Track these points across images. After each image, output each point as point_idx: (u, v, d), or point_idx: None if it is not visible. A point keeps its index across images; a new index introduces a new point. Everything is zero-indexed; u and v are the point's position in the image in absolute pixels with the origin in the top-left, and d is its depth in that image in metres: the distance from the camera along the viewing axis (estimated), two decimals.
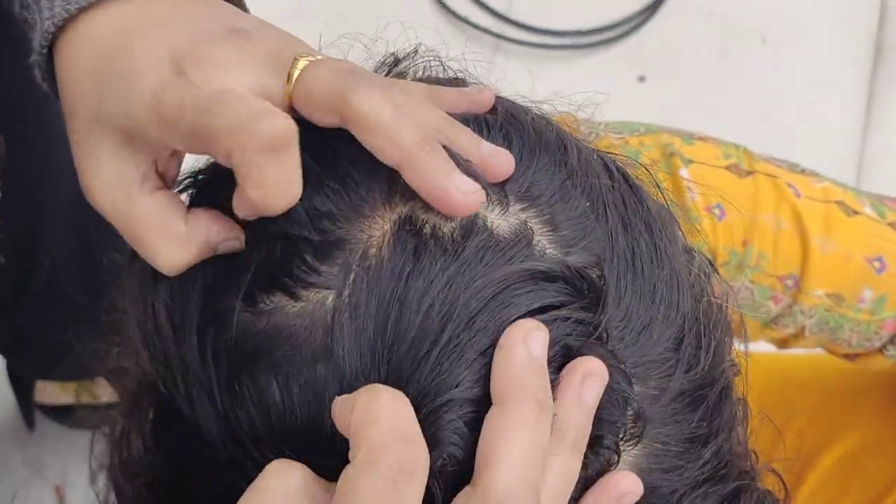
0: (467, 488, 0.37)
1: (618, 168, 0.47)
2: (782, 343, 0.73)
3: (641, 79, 1.63)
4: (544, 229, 0.42)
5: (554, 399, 0.39)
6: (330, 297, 0.40)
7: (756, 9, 1.67)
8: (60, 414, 1.29)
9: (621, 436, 0.41)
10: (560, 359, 0.40)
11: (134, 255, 0.45)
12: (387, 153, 0.40)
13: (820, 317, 0.69)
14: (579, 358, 0.40)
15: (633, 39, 1.65)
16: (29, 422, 1.26)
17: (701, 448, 0.44)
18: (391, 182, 0.41)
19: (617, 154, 0.48)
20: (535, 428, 0.38)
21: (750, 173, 0.69)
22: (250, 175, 0.39)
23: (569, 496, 0.39)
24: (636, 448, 0.42)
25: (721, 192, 0.66)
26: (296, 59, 0.43)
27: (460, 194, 0.40)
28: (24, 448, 1.31)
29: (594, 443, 0.40)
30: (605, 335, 0.41)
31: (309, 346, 0.40)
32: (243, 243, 0.43)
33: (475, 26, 1.64)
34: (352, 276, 0.40)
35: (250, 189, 0.40)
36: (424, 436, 0.37)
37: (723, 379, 0.46)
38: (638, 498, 0.41)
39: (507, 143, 0.44)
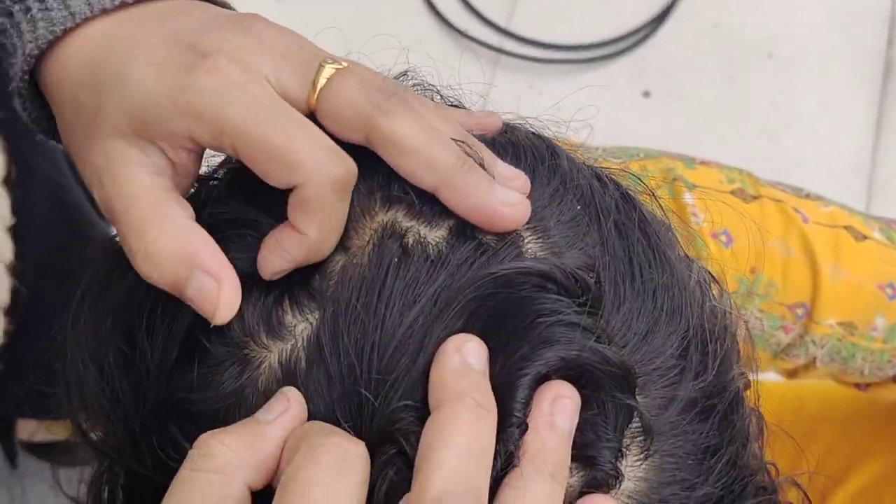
0: (406, 495, 0.36)
1: (609, 177, 0.45)
2: (792, 374, 0.71)
3: (646, 94, 1.61)
4: (534, 236, 0.41)
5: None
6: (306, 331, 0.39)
7: (762, 24, 1.65)
8: (44, 451, 1.27)
9: (626, 450, 0.39)
10: (563, 371, 0.38)
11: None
12: (424, 178, 0.39)
13: (832, 346, 0.68)
14: (548, 382, 0.38)
15: (637, 54, 1.63)
16: (11, 460, 1.24)
17: (713, 460, 0.42)
18: (369, 191, 0.40)
19: (611, 168, 0.47)
20: (472, 427, 0.36)
21: (756, 198, 0.67)
22: (322, 216, 0.39)
23: None
24: (645, 463, 0.40)
25: (727, 217, 0.64)
26: (321, 64, 0.41)
27: (508, 208, 0.39)
28: (7, 486, 1.30)
29: (588, 463, 0.39)
30: (606, 342, 0.39)
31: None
32: (215, 304, 0.40)
33: (475, 40, 1.61)
34: (328, 309, 0.39)
35: (319, 232, 0.39)
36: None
37: (732, 388, 0.44)
38: None
39: (504, 154, 0.43)
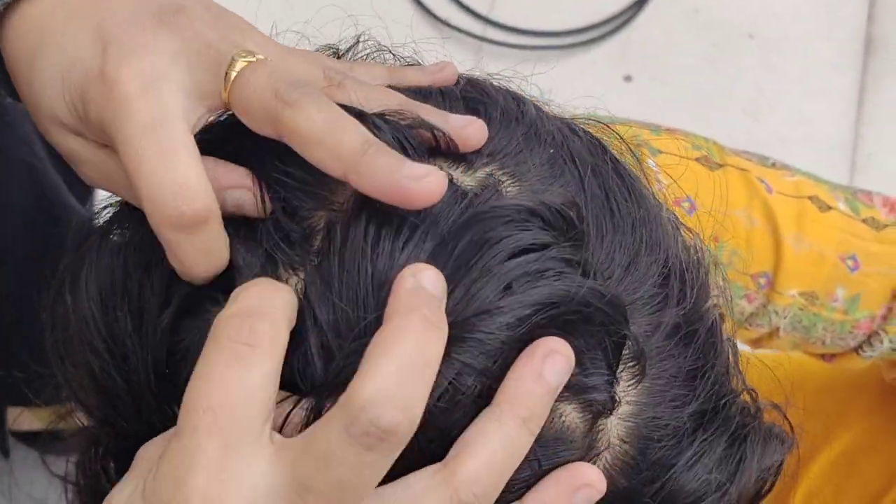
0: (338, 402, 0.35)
1: (578, 126, 0.46)
2: (756, 343, 0.72)
3: (627, 78, 1.61)
4: (511, 180, 0.42)
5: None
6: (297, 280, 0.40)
7: (743, 5, 1.65)
8: (36, 440, 1.27)
9: (619, 377, 0.41)
10: (552, 310, 0.39)
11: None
12: (329, 167, 0.39)
13: (794, 316, 0.68)
14: (543, 338, 0.38)
15: (618, 38, 1.63)
16: (3, 449, 1.24)
17: (699, 381, 0.43)
18: None
19: (578, 118, 0.48)
20: (417, 338, 0.35)
21: (720, 166, 0.67)
22: (168, 247, 0.40)
23: (509, 473, 0.37)
24: (637, 387, 0.42)
25: (690, 185, 0.64)
26: (234, 58, 0.41)
27: (415, 183, 0.38)
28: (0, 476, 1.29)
29: (587, 393, 0.40)
30: (593, 274, 0.40)
31: None
32: (254, 198, 0.41)
33: (457, 29, 1.62)
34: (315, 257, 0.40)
35: (171, 260, 0.40)
36: None
37: (710, 316, 0.45)
38: (599, 495, 0.39)
39: (469, 109, 0.43)
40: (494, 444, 0.37)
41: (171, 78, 0.41)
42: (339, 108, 0.40)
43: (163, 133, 0.40)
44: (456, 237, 0.39)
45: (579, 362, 0.39)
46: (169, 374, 0.41)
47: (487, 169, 0.42)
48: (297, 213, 0.41)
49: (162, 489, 0.35)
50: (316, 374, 0.38)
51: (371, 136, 0.39)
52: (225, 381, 0.35)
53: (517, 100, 0.45)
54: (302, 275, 0.40)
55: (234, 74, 0.41)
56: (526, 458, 0.38)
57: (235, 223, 0.41)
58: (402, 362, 0.35)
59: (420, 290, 0.37)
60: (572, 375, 0.39)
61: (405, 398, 0.34)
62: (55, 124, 0.44)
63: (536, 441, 0.38)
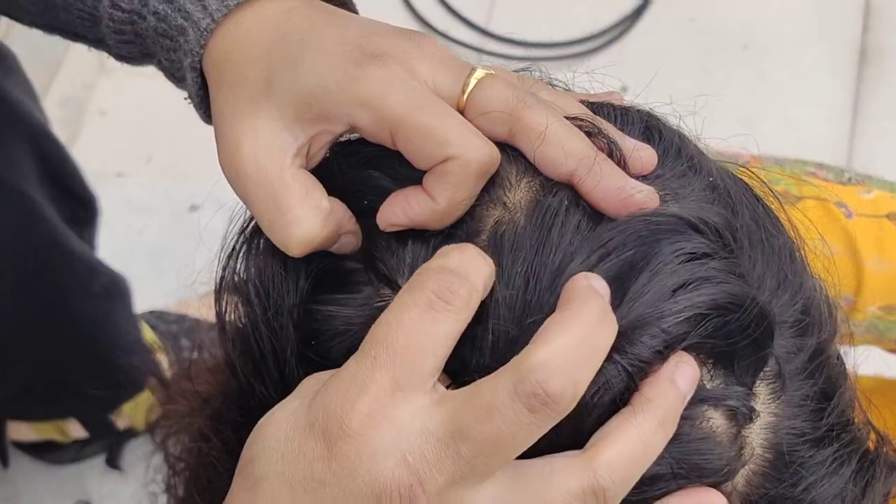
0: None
1: (726, 166, 0.50)
2: None
3: (623, 89, 1.61)
4: (672, 201, 0.45)
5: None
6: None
7: (737, 15, 1.66)
8: (36, 450, 1.27)
9: (756, 391, 0.43)
10: (717, 317, 0.42)
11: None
12: (562, 164, 0.43)
13: (869, 323, 0.71)
14: (676, 353, 0.41)
15: (614, 49, 1.64)
16: (3, 459, 1.24)
17: (833, 399, 0.46)
18: (518, 166, 0.45)
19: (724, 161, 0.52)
20: (593, 326, 0.38)
21: (799, 199, 0.70)
22: (457, 190, 0.43)
23: (643, 468, 0.39)
24: (775, 402, 0.44)
25: None
26: (473, 69, 0.46)
27: (640, 194, 0.43)
28: (1, 485, 1.29)
29: (727, 398, 0.42)
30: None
31: None
32: (357, 246, 0.46)
33: (455, 41, 1.63)
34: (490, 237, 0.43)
35: (448, 202, 0.43)
36: None
37: (836, 346, 0.48)
38: None
39: (643, 135, 0.47)
40: (633, 438, 0.39)
41: (421, 76, 0.45)
42: (565, 111, 0.45)
43: (440, 101, 0.45)
44: (625, 241, 0.42)
45: (729, 370, 0.42)
46: (314, 344, 0.45)
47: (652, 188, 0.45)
48: (472, 210, 0.44)
49: (328, 402, 0.39)
50: (485, 348, 0.42)
51: (594, 146, 0.44)
52: (413, 326, 0.39)
53: (682, 136, 0.49)
54: None
55: (473, 82, 0.46)
56: (670, 456, 0.41)
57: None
58: (577, 341, 0.37)
59: (593, 289, 0.39)
60: (721, 382, 0.42)
61: (574, 372, 0.37)
62: (271, 110, 0.47)
63: (681, 441, 0.41)
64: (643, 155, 0.45)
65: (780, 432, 0.44)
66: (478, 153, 0.43)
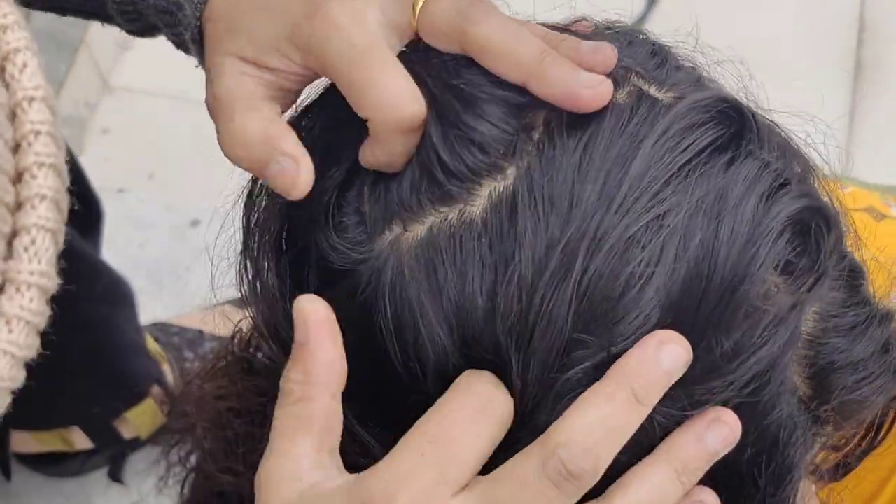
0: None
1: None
2: None
3: None
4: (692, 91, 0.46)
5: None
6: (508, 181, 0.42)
7: (732, 31, 1.67)
8: (38, 462, 1.27)
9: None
10: (797, 234, 0.43)
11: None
12: (511, 73, 0.43)
13: None
14: (715, 408, 0.41)
15: None
16: (5, 472, 1.25)
17: (873, 330, 0.46)
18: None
19: None
20: (617, 408, 0.39)
21: (883, 216, 0.69)
22: (384, 145, 0.44)
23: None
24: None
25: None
26: None
27: (589, 90, 0.42)
28: (2, 498, 1.30)
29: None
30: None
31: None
32: (294, 179, 0.45)
33: None
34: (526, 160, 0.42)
35: (381, 155, 0.44)
36: None
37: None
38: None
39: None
40: (651, 487, 0.41)
41: (372, 13, 0.46)
42: (516, 22, 0.45)
43: (377, 52, 0.45)
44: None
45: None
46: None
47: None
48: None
49: (372, 491, 0.40)
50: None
51: (544, 45, 0.44)
52: (464, 429, 0.40)
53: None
54: (524, 162, 0.42)
55: (420, 4, 0.46)
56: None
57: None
58: (601, 419, 0.39)
59: (650, 364, 0.40)
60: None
61: (596, 453, 0.39)
62: (239, 60, 0.49)
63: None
64: (600, 55, 0.44)
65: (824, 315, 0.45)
66: (396, 113, 0.43)
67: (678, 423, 0.41)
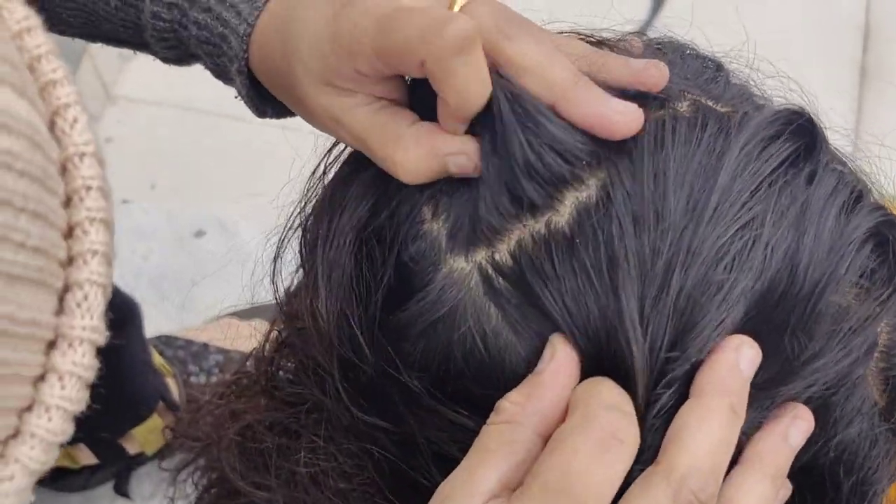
0: (650, 467, 0.39)
1: None
2: None
3: None
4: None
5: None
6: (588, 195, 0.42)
7: (737, 35, 1.66)
8: (44, 477, 1.27)
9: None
10: (877, 247, 0.43)
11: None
12: (543, 93, 0.43)
13: None
14: (791, 403, 0.41)
15: None
16: None
17: None
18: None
19: None
20: (726, 425, 0.39)
21: None
22: (448, 79, 0.42)
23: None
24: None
25: None
26: None
27: (619, 115, 0.42)
28: None
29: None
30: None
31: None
32: (476, 163, 0.43)
33: None
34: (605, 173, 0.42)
35: (449, 94, 0.42)
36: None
37: None
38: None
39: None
40: (755, 498, 0.40)
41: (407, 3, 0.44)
42: (552, 43, 0.44)
43: (403, 7, 0.43)
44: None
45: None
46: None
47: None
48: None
49: None
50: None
51: (580, 73, 0.43)
52: (590, 468, 0.38)
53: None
54: (608, 170, 0.42)
55: (457, 6, 0.45)
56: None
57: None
58: (713, 440, 0.39)
59: (736, 372, 0.39)
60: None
61: (717, 477, 0.39)
62: (321, 84, 0.47)
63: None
64: (651, 71, 0.44)
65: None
66: (442, 39, 0.42)
67: (759, 426, 0.42)
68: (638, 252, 0.40)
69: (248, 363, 0.58)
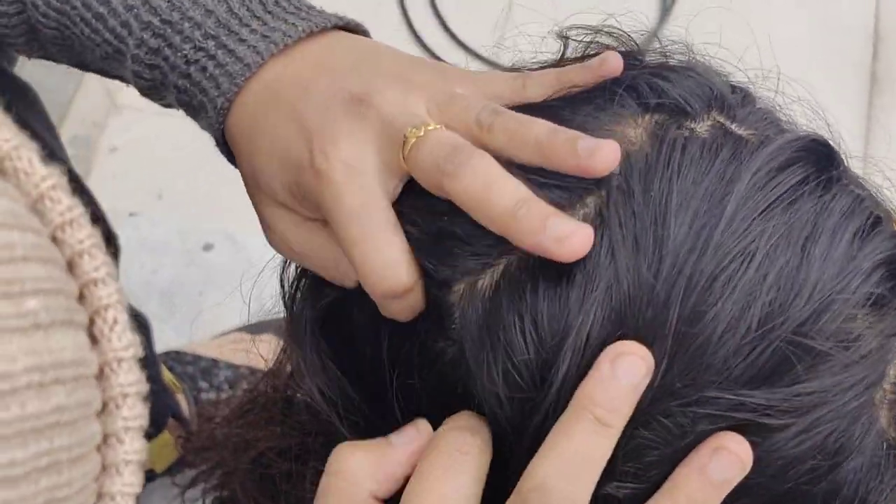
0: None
1: None
2: None
3: None
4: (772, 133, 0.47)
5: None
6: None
7: (746, 43, 1.66)
8: None
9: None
10: (888, 275, 0.43)
11: None
12: (489, 226, 0.44)
13: None
14: (718, 434, 0.41)
15: None
16: None
17: None
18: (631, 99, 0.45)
19: None
20: (587, 439, 0.39)
21: None
22: (380, 307, 0.47)
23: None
24: None
25: None
26: (406, 137, 0.47)
27: (557, 244, 0.41)
28: None
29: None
30: None
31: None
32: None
33: None
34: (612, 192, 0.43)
35: (383, 312, 0.47)
36: None
37: None
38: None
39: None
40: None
41: (368, 162, 0.47)
42: (494, 167, 0.44)
43: (368, 216, 0.46)
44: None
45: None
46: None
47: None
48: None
49: None
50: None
51: (522, 193, 0.43)
52: (435, 485, 0.41)
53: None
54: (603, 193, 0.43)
55: (407, 151, 0.47)
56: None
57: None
58: (570, 458, 0.39)
59: (609, 383, 0.39)
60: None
61: (570, 489, 0.39)
62: (268, 198, 0.52)
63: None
64: (596, 158, 0.43)
65: None
66: (380, 284, 0.46)
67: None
68: (632, 279, 0.41)
69: (260, 385, 0.58)
